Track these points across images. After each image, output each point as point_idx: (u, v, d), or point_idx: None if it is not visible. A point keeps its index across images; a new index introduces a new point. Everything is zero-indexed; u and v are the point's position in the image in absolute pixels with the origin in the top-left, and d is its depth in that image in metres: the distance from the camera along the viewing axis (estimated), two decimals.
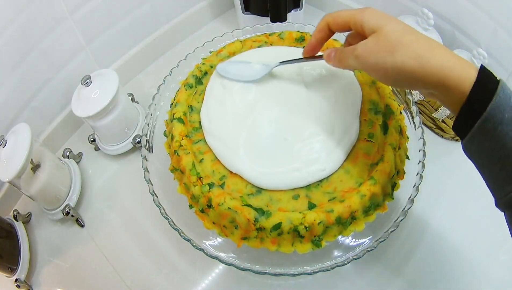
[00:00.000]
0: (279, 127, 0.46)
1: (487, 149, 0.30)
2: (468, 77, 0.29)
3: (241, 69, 0.51)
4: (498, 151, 0.29)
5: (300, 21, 0.60)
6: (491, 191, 0.32)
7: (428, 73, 0.31)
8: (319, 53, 0.42)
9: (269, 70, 0.49)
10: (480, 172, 0.33)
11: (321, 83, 0.49)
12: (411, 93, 0.51)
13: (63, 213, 0.55)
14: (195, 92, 0.52)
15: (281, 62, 0.48)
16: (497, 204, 0.32)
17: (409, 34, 0.32)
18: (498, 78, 0.30)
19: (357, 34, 0.36)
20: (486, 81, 0.29)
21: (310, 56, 0.43)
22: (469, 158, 0.33)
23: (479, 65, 0.30)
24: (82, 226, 0.57)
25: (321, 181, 0.43)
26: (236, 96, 0.49)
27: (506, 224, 0.32)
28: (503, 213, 0.32)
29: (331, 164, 0.43)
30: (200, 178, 0.43)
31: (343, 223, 0.41)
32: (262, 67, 0.50)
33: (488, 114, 0.28)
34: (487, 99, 0.28)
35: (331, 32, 0.39)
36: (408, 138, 0.47)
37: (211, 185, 0.42)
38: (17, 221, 0.56)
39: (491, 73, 0.30)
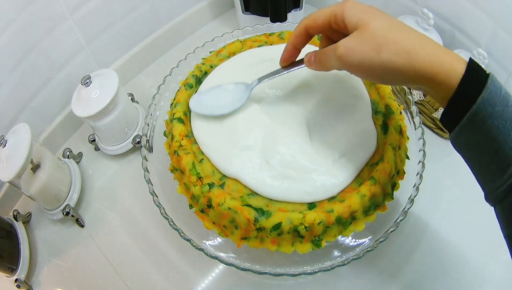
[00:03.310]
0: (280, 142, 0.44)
1: (476, 143, 0.30)
2: (457, 71, 0.29)
3: (216, 98, 0.47)
4: (488, 144, 0.29)
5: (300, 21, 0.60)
6: (480, 185, 0.32)
7: (417, 70, 0.30)
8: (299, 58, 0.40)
9: (249, 93, 0.45)
10: (469, 165, 0.32)
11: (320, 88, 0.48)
12: (411, 93, 0.51)
13: (63, 213, 0.55)
14: (195, 92, 0.52)
15: (259, 79, 0.45)
16: (487, 199, 0.32)
17: (395, 29, 0.31)
18: (487, 72, 0.29)
19: (336, 30, 0.35)
20: (475, 74, 0.29)
21: (289, 64, 0.41)
22: (458, 151, 0.32)
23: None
24: (82, 226, 0.57)
25: None
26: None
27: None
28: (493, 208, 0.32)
29: (339, 187, 0.42)
30: (200, 178, 0.43)
31: (343, 223, 0.41)
32: (238, 90, 0.46)
33: (477, 107, 0.28)
34: (477, 93, 0.28)
35: (309, 36, 0.37)
36: (408, 138, 0.47)
37: (211, 185, 0.42)
38: (17, 221, 0.56)
39: (480, 66, 0.30)
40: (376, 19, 0.31)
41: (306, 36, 0.37)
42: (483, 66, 0.54)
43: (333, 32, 0.36)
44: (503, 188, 0.29)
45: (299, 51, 0.40)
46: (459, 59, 0.30)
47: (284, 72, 0.41)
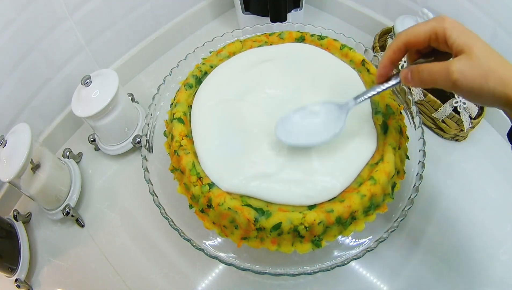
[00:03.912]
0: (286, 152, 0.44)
1: None
2: None
3: (304, 123, 0.42)
4: None
5: (300, 21, 0.60)
6: None
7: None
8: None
9: (345, 116, 0.41)
10: None
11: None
12: (411, 93, 0.51)
13: (63, 213, 0.55)
14: (195, 92, 0.52)
15: (355, 99, 0.41)
16: None
17: (493, 56, 0.32)
18: None
19: (428, 47, 0.36)
20: None
21: (385, 80, 0.39)
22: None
23: None
24: (82, 226, 0.57)
25: None
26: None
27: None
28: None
29: (339, 189, 0.42)
30: (200, 178, 0.43)
31: (343, 223, 0.40)
32: (330, 112, 0.41)
33: None
34: None
35: (406, 52, 0.37)
36: (408, 138, 0.47)
37: (211, 185, 0.42)
38: (17, 221, 0.56)
39: None
40: (478, 45, 0.32)
41: (404, 51, 0.37)
42: None
43: (427, 47, 0.36)
44: None
45: (395, 67, 0.39)
46: None
47: (380, 89, 0.39)
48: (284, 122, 0.43)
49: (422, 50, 0.37)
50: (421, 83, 0.35)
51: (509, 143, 0.35)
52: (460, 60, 0.32)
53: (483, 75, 0.31)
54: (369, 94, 0.40)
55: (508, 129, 0.36)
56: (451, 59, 0.33)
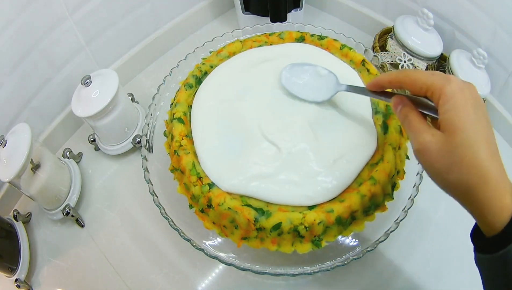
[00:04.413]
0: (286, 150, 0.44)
1: (499, 273, 0.29)
2: (504, 218, 0.28)
3: (307, 79, 0.46)
4: (509, 276, 0.28)
5: (300, 21, 0.60)
6: None
7: (470, 202, 0.30)
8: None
9: (334, 93, 0.45)
10: (482, 280, 0.31)
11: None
12: None
13: (63, 213, 0.55)
14: (195, 92, 0.52)
15: (348, 86, 0.44)
16: None
17: (475, 149, 0.28)
18: None
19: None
20: None
21: (375, 91, 0.39)
22: (477, 265, 0.31)
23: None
24: (82, 226, 0.57)
25: None
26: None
27: None
28: None
29: (339, 189, 0.42)
30: (200, 178, 0.43)
31: (343, 223, 0.41)
32: (329, 81, 0.45)
33: None
34: None
35: (400, 87, 0.36)
36: (408, 138, 0.47)
37: (211, 185, 0.42)
38: (17, 221, 0.56)
39: None
40: (466, 129, 0.28)
41: (396, 86, 0.36)
42: (482, 67, 0.55)
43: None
44: None
45: (384, 89, 0.39)
46: (509, 204, 0.28)
47: (370, 95, 0.41)
48: (294, 71, 0.47)
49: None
50: (401, 123, 0.35)
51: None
52: (435, 136, 0.30)
53: (447, 167, 0.29)
54: (360, 91, 0.42)
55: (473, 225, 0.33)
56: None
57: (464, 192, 0.30)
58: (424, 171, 0.44)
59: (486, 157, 0.28)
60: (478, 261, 0.31)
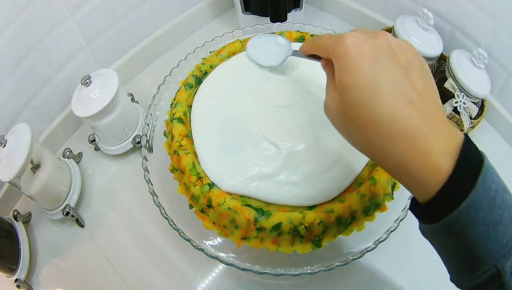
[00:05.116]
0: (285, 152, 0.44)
1: (448, 245, 0.26)
2: (440, 172, 0.24)
3: (269, 48, 0.50)
4: (461, 249, 0.25)
5: (300, 21, 0.60)
6: (448, 271, 0.29)
7: (386, 165, 0.27)
8: None
9: (284, 59, 0.48)
10: (437, 251, 0.29)
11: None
12: None
13: (63, 213, 0.55)
14: (195, 92, 0.52)
15: (295, 51, 0.46)
16: (451, 280, 0.29)
17: (373, 104, 0.26)
18: (483, 158, 0.24)
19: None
20: (463, 172, 0.24)
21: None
22: (425, 237, 0.28)
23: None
24: (82, 226, 0.57)
25: None
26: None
27: None
28: None
29: (339, 190, 0.42)
30: (200, 178, 0.43)
31: (343, 223, 0.41)
32: (284, 48, 0.48)
33: (458, 214, 0.23)
34: (460, 197, 0.23)
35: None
36: None
37: (211, 185, 0.42)
38: (17, 221, 0.56)
39: (474, 153, 0.25)
40: (358, 87, 0.26)
41: (313, 52, 0.35)
42: (482, 67, 0.55)
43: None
44: (468, 284, 0.27)
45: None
46: (447, 150, 0.24)
47: (309, 58, 0.39)
48: (260, 41, 0.52)
49: None
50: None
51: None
52: (333, 99, 0.29)
53: (346, 128, 0.29)
54: (300, 55, 0.40)
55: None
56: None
57: (371, 153, 0.27)
58: None
59: (392, 109, 0.25)
60: (423, 234, 0.28)
